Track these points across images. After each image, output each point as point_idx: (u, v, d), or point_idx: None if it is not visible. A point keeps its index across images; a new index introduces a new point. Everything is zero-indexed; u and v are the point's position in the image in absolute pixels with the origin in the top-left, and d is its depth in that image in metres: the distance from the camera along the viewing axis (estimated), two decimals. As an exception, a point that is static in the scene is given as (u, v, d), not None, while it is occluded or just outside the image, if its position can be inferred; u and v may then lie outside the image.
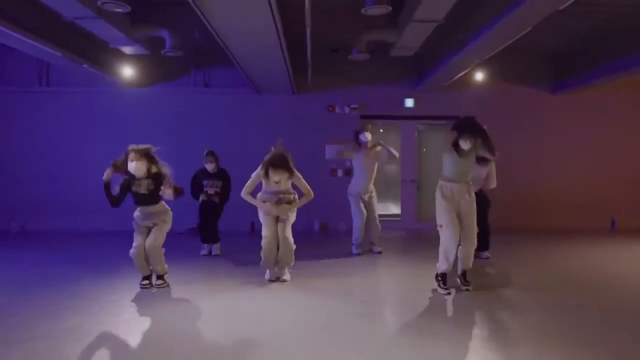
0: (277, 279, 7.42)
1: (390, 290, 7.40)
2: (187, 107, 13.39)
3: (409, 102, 13.75)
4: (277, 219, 7.35)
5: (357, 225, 9.68)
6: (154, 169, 6.85)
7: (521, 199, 13.46)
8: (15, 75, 13.08)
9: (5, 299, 6.38)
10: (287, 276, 7.49)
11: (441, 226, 6.73)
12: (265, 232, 7.27)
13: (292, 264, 7.53)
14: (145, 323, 5.49)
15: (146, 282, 6.98)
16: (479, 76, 13.01)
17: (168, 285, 7.02)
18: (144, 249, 6.80)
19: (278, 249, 7.28)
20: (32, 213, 13.08)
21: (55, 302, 6.22)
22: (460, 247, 6.76)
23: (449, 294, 6.62)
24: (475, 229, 6.78)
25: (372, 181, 9.82)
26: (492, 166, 9.00)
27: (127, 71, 11.94)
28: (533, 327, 5.24)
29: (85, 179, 12.86)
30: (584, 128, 13.91)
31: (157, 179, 6.82)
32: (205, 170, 9.66)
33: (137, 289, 6.87)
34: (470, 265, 6.89)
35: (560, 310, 5.93)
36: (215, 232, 9.78)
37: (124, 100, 13.27)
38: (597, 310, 5.97)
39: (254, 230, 12.62)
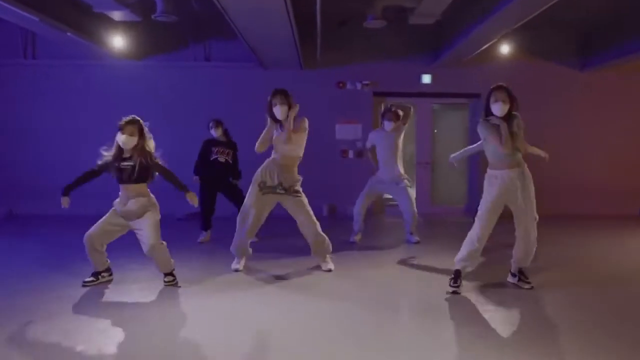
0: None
1: (404, 286, 6.38)
2: (185, 82, 12.46)
3: (426, 78, 12.80)
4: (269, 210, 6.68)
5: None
6: (141, 145, 6.00)
7: (544, 183, 12.50)
8: (-3, 47, 12.14)
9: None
10: (331, 264, 6.87)
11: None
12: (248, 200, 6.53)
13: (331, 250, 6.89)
14: (136, 326, 4.71)
15: (91, 279, 6.10)
16: (505, 49, 12.00)
17: (177, 284, 6.06)
18: (145, 251, 5.86)
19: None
20: (19, 196, 12.17)
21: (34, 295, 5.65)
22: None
23: (455, 292, 5.74)
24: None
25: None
26: None
27: (118, 41, 10.78)
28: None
29: (73, 160, 12.00)
30: (613, 108, 13.00)
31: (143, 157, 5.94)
32: (212, 138, 8.94)
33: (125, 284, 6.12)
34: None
35: (594, 306, 5.37)
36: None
37: (115, 74, 12.32)
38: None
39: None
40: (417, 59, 12.70)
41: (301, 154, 6.64)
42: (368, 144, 9.03)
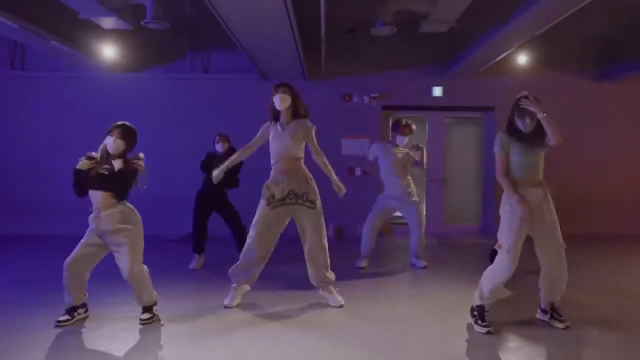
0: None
1: (417, 326, 5.57)
2: (183, 95, 11.95)
3: (437, 91, 12.23)
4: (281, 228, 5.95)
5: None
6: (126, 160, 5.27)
7: (565, 200, 11.92)
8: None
9: None
10: (340, 298, 6.08)
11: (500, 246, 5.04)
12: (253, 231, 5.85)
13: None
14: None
15: (66, 317, 5.27)
16: (522, 59, 11.51)
17: (159, 321, 5.34)
18: (124, 277, 5.15)
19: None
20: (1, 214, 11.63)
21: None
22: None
23: (489, 332, 5.02)
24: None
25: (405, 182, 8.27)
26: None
27: (108, 51, 10.18)
28: None
29: (62, 177, 11.55)
30: (635, 120, 12.51)
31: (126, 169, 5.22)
32: (215, 152, 8.45)
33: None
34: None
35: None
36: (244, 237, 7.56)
37: (109, 87, 11.79)
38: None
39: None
40: (428, 70, 12.18)
41: (302, 155, 6.05)
42: (371, 157, 8.40)
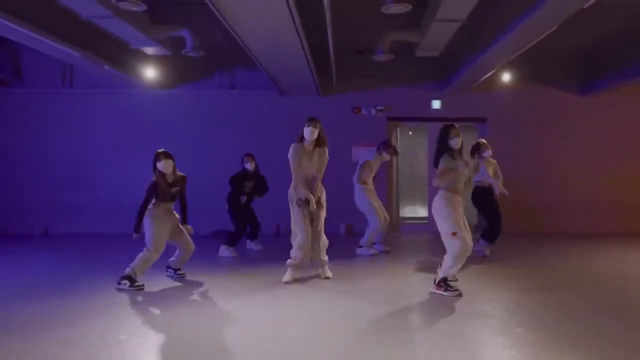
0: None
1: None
2: (211, 108, 13.36)
3: (436, 104, 13.56)
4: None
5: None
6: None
7: (550, 202, 13.38)
8: (39, 77, 13.16)
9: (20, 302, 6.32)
10: (329, 272, 7.65)
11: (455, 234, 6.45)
12: (302, 228, 7.36)
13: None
14: (162, 327, 5.37)
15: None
16: (506, 77, 12.83)
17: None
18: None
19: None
20: (55, 216, 13.13)
21: (70, 306, 6.10)
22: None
23: (460, 295, 6.47)
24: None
25: None
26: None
27: (150, 72, 11.89)
28: (549, 330, 5.08)
29: (107, 181, 13.11)
30: (613, 130, 13.63)
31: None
32: (247, 171, 10.08)
33: (154, 289, 6.87)
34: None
35: (575, 312, 5.77)
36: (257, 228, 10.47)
37: (147, 102, 13.26)
38: (614, 312, 5.77)
39: (279, 233, 12.72)
40: (428, 86, 13.44)
41: (321, 175, 7.51)
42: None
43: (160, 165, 7.08)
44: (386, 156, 9.97)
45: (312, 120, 7.36)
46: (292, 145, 7.39)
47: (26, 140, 13.26)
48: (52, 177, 13.18)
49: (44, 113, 13.25)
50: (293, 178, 7.36)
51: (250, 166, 10.01)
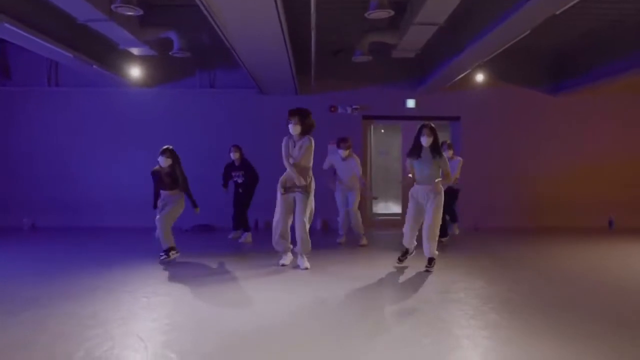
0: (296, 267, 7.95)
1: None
2: (192, 107, 13.60)
3: (410, 103, 13.89)
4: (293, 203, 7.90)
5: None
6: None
7: (521, 198, 13.83)
8: (25, 75, 13.33)
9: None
10: (306, 263, 7.91)
11: None
12: (279, 212, 7.93)
13: (309, 250, 7.98)
14: (161, 311, 5.61)
15: (165, 255, 8.29)
16: (480, 77, 13.21)
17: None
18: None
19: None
20: (42, 210, 13.30)
21: (63, 295, 6.28)
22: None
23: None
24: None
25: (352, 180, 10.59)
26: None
27: (135, 72, 12.22)
28: (522, 323, 5.21)
29: (93, 176, 13.36)
30: (584, 128, 14.07)
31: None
32: (231, 162, 10.79)
33: (150, 280, 7.13)
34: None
35: (548, 307, 5.87)
36: (244, 220, 10.85)
37: (130, 100, 13.49)
38: (589, 307, 5.91)
39: (258, 227, 12.98)
40: (402, 85, 13.78)
41: (309, 165, 7.94)
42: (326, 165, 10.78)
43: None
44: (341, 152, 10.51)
45: (291, 115, 7.87)
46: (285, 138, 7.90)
47: (13, 137, 13.44)
48: (40, 173, 13.39)
49: (30, 111, 13.42)
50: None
51: (234, 156, 10.62)
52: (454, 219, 11.24)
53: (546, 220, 13.77)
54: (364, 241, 10.47)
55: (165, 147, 8.57)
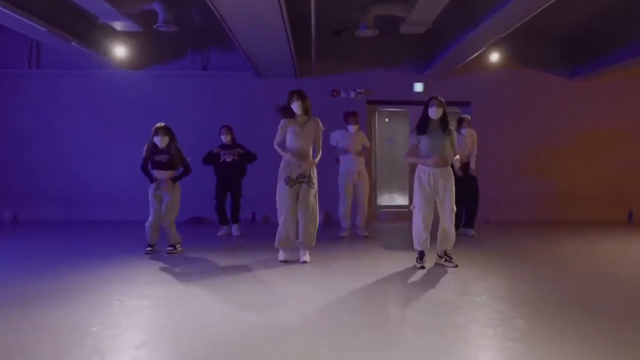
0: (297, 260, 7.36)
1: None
2: (183, 90, 12.78)
3: (418, 87, 13.09)
4: (297, 195, 7.22)
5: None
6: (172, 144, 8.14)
7: (535, 189, 13.06)
8: (4, 57, 12.50)
9: None
10: (307, 257, 7.36)
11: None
12: (285, 206, 7.23)
13: (313, 244, 7.41)
14: (137, 317, 4.89)
15: (171, 249, 8.04)
16: (493, 59, 12.37)
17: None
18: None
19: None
20: (24, 202, 12.51)
21: (45, 292, 5.66)
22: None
23: (422, 267, 6.92)
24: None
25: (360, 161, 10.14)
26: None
27: (120, 51, 11.20)
28: (537, 318, 4.73)
29: (77, 166, 12.56)
30: (602, 115, 13.30)
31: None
32: (221, 143, 10.15)
33: (137, 276, 6.53)
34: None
35: (579, 309, 5.21)
36: (237, 211, 10.19)
37: (118, 83, 12.67)
38: (607, 303, 5.41)
39: (255, 219, 12.31)
40: (410, 67, 13.00)
41: (319, 145, 7.41)
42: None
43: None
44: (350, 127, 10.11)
45: (293, 94, 7.37)
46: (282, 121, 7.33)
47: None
48: (21, 162, 12.57)
49: (10, 95, 12.59)
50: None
51: (225, 139, 10.06)
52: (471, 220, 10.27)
53: (562, 212, 12.99)
54: (366, 232, 9.98)
55: (158, 124, 8.10)
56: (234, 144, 10.06)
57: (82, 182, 12.52)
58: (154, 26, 9.62)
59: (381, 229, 11.24)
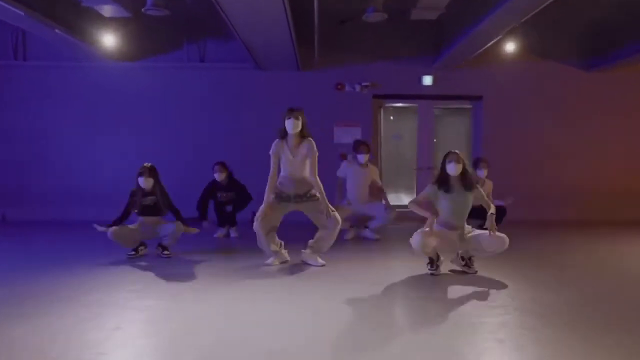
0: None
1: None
2: (179, 84, 12.10)
3: (427, 80, 12.42)
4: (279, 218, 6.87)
5: None
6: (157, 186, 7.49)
7: (552, 188, 12.43)
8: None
9: None
10: (321, 260, 6.84)
11: None
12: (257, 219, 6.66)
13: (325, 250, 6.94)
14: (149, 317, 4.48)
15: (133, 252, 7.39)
16: (506, 50, 11.61)
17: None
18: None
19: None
20: (13, 201, 11.91)
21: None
22: None
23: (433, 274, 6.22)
24: None
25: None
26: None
27: (109, 39, 10.38)
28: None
29: (66, 164, 11.98)
30: (622, 109, 12.64)
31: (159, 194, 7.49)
32: (216, 182, 9.31)
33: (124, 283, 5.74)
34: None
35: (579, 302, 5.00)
36: (233, 217, 9.56)
37: (109, 76, 11.99)
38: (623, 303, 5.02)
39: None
40: (418, 59, 12.34)
41: (307, 173, 6.76)
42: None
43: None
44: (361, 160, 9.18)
45: (292, 111, 6.70)
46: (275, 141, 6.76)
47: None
48: (9, 160, 11.95)
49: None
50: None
51: (219, 177, 9.20)
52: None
53: (580, 212, 12.31)
54: (377, 235, 9.17)
55: (144, 165, 7.45)
56: (229, 185, 9.34)
57: (73, 180, 11.90)
58: (143, 10, 8.78)
59: (389, 230, 10.50)
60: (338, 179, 9.17)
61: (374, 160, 9.76)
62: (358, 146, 9.04)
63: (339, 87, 12.35)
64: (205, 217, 9.13)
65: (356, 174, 9.09)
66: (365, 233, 9.25)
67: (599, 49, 12.14)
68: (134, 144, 11.66)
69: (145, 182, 7.31)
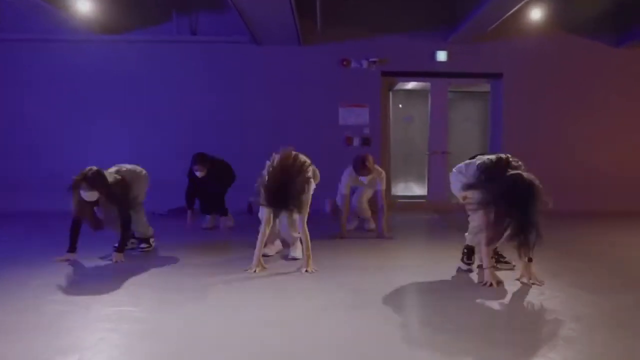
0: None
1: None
2: (168, 59, 11.28)
3: (442, 56, 11.55)
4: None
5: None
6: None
7: (576, 175, 11.60)
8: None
9: None
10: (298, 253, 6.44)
11: None
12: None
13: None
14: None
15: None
16: (532, 17, 10.78)
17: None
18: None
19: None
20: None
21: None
22: None
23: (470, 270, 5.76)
24: None
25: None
26: None
27: (84, 5, 9.37)
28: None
29: (52, 150, 11.21)
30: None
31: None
32: (196, 177, 8.39)
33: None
34: None
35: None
36: (222, 204, 8.83)
37: (90, 51, 11.11)
38: None
39: (252, 211, 10.54)
40: (431, 33, 11.51)
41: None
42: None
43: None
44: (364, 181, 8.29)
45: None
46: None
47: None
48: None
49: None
50: None
51: (200, 174, 8.27)
52: None
53: (608, 202, 11.43)
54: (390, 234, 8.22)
55: (86, 171, 5.99)
56: (211, 176, 8.40)
57: (56, 167, 10.68)
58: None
59: (398, 223, 9.75)
60: (343, 196, 8.24)
61: (382, 154, 9.42)
62: (359, 169, 8.04)
63: (345, 63, 11.54)
64: (191, 208, 8.41)
65: (358, 190, 8.63)
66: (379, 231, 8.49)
67: (630, 22, 11.39)
68: (117, 126, 11.03)
69: (89, 196, 5.95)
